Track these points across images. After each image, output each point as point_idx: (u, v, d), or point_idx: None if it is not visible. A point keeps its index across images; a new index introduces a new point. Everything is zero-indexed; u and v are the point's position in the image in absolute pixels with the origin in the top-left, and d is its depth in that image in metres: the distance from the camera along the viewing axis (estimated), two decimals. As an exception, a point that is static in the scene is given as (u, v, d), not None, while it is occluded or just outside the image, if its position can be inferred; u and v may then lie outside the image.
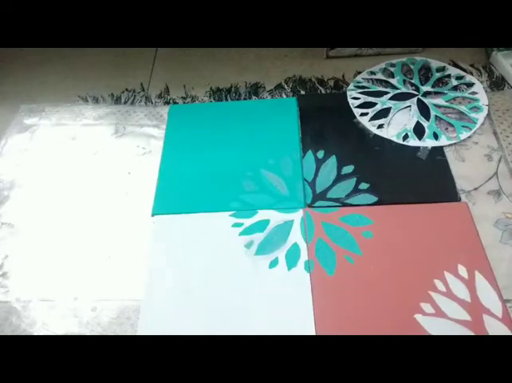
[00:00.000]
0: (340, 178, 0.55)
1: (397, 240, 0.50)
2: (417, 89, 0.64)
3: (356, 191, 0.54)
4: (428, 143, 0.58)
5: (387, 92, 0.64)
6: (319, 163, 0.57)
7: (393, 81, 0.66)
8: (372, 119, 0.61)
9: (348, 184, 0.55)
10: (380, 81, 0.66)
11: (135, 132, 0.63)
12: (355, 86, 0.66)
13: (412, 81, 0.65)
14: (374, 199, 0.53)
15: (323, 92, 0.67)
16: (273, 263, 0.49)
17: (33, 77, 0.74)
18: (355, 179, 0.55)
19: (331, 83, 0.68)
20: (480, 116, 0.60)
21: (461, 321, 0.44)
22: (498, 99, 0.59)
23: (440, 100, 0.62)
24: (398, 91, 0.64)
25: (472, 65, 0.66)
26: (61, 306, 0.48)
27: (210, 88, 0.69)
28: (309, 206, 0.53)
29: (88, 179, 0.59)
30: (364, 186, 0.54)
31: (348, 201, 0.53)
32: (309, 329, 0.44)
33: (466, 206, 0.52)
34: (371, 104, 0.63)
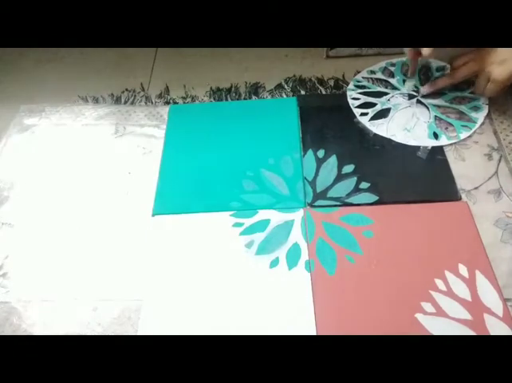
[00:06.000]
0: (340, 177, 0.55)
1: (398, 239, 0.50)
2: (417, 90, 0.64)
3: (356, 190, 0.54)
4: (428, 142, 0.58)
5: (386, 93, 0.64)
6: (319, 162, 0.57)
7: (393, 81, 0.66)
8: (372, 119, 0.61)
9: (349, 183, 0.55)
10: (379, 81, 0.66)
11: (135, 132, 0.63)
12: (355, 86, 0.66)
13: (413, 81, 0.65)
14: (375, 197, 0.53)
15: (323, 92, 0.67)
16: (274, 263, 0.49)
17: (33, 77, 0.74)
18: (355, 178, 0.55)
19: (331, 83, 0.68)
20: (480, 116, 0.60)
21: (462, 321, 0.44)
22: (498, 98, 0.59)
23: (440, 101, 0.62)
24: (397, 92, 0.64)
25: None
26: (61, 306, 0.48)
27: (210, 88, 0.69)
28: (310, 205, 0.53)
29: (88, 179, 0.59)
30: (364, 185, 0.54)
31: (349, 200, 0.53)
32: (310, 329, 0.44)
33: (466, 205, 0.52)
34: (371, 105, 0.63)
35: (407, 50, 0.60)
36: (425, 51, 0.56)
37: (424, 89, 0.62)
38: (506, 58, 0.53)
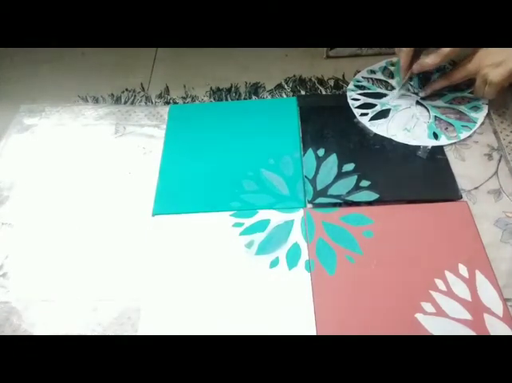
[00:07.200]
0: (340, 175, 0.55)
1: (398, 239, 0.50)
2: (416, 91, 0.64)
3: (357, 188, 0.54)
4: (428, 142, 0.58)
5: (386, 95, 0.64)
6: (319, 161, 0.57)
7: (392, 82, 0.66)
8: (372, 119, 0.61)
9: (349, 182, 0.55)
10: (379, 81, 0.66)
11: (135, 132, 0.63)
12: (355, 86, 0.66)
13: (412, 83, 0.65)
14: (375, 195, 0.53)
15: (323, 92, 0.67)
16: (274, 263, 0.49)
17: (33, 77, 0.74)
18: (355, 176, 0.55)
19: (331, 83, 0.68)
20: (480, 116, 0.60)
21: (462, 321, 0.44)
22: (498, 97, 0.59)
23: (439, 102, 0.62)
24: (397, 93, 0.64)
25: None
26: (61, 306, 0.48)
27: (210, 88, 0.69)
28: (310, 202, 0.53)
29: (88, 179, 0.59)
30: (365, 183, 0.54)
31: (350, 198, 0.53)
32: (310, 329, 0.44)
33: (466, 205, 0.52)
34: (370, 105, 0.63)
35: (401, 60, 0.60)
36: (429, 60, 0.56)
37: (422, 93, 0.62)
38: (502, 60, 0.53)
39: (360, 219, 0.51)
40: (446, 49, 0.55)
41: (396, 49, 0.61)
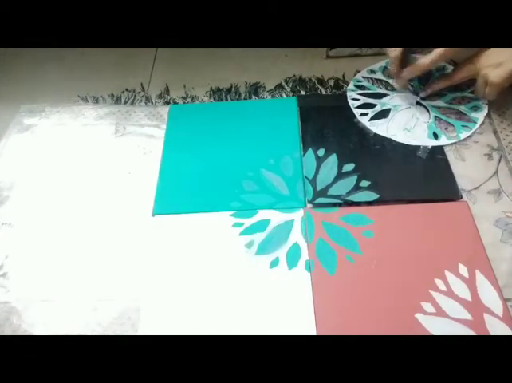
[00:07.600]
0: (340, 175, 0.55)
1: (398, 239, 0.50)
2: (416, 91, 0.64)
3: (357, 188, 0.54)
4: (428, 142, 0.58)
5: (386, 94, 0.64)
6: (319, 161, 0.57)
7: (392, 82, 0.66)
8: (372, 119, 0.61)
9: (349, 182, 0.55)
10: (379, 81, 0.66)
11: (135, 132, 0.63)
12: (355, 86, 0.66)
13: (412, 83, 0.65)
14: (375, 196, 0.53)
15: (323, 92, 0.67)
16: (274, 263, 0.49)
17: (33, 77, 0.74)
18: (356, 176, 0.55)
19: (331, 83, 0.68)
20: (480, 116, 0.60)
21: (462, 321, 0.44)
22: (498, 97, 0.59)
23: (439, 102, 0.62)
24: (397, 93, 0.64)
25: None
26: (61, 306, 0.48)
27: (210, 88, 0.69)
28: (310, 202, 0.53)
29: (88, 179, 0.59)
30: (365, 183, 0.54)
31: (350, 198, 0.53)
32: (310, 329, 0.44)
33: (466, 205, 0.52)
34: (370, 105, 0.63)
35: (390, 66, 0.61)
36: (423, 61, 0.56)
37: (422, 93, 0.62)
38: (502, 61, 0.53)
39: (360, 219, 0.52)
40: (429, 58, 0.55)
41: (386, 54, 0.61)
